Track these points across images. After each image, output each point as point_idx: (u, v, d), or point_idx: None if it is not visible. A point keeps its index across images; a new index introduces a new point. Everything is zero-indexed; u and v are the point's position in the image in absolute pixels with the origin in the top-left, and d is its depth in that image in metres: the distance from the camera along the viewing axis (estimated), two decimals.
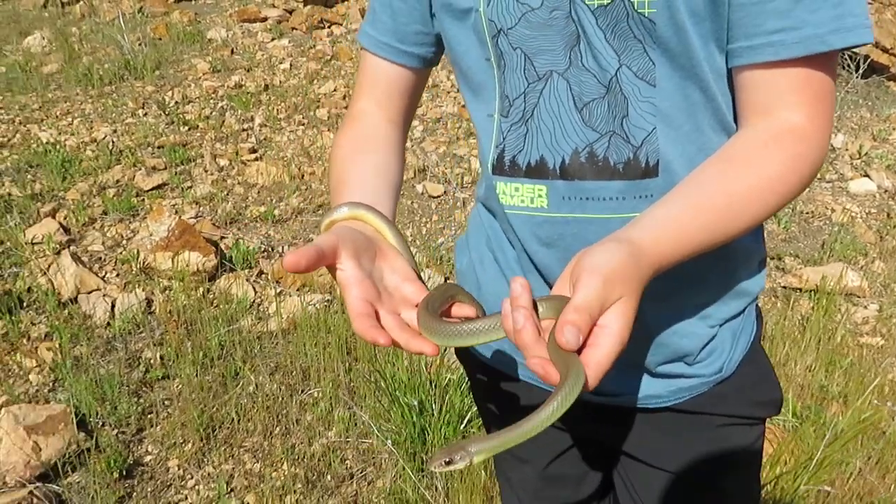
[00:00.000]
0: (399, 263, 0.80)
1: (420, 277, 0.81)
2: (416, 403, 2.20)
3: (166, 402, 2.42)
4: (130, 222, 3.28)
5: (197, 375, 2.47)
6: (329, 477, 2.18)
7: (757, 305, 1.02)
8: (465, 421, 2.25)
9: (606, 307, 0.65)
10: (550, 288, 0.94)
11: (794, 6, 0.73)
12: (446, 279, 3.08)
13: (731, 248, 0.84)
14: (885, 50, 5.62)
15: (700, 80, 0.81)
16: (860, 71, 5.49)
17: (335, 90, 4.73)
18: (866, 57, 5.40)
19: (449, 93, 4.89)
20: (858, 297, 3.25)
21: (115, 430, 2.27)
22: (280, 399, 2.42)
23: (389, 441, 2.14)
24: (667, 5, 0.77)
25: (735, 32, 0.78)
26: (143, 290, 2.88)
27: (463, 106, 4.69)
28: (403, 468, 2.12)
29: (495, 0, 0.86)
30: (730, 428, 1.00)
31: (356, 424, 2.35)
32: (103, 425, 2.27)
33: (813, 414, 2.32)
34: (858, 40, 0.74)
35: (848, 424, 2.18)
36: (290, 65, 5.02)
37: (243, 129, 4.17)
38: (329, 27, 5.79)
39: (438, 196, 3.76)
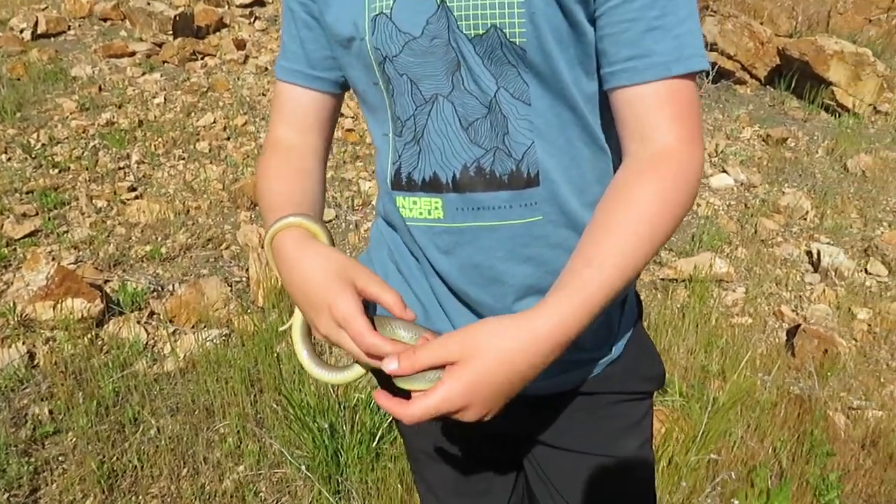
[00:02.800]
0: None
1: None
2: (326, 427, 2.21)
3: (60, 458, 2.29)
4: (2, 274, 3.09)
5: (92, 426, 2.36)
6: None
7: (634, 290, 1.13)
8: (378, 438, 2.28)
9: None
10: (451, 291, 1.03)
11: (642, 38, 0.85)
12: None
13: None
14: (729, 57, 6.17)
15: (568, 99, 0.92)
16: (710, 77, 6.01)
17: (214, 122, 4.65)
18: (714, 64, 5.91)
19: None
20: (727, 282, 3.55)
21: (6, 495, 2.13)
22: (185, 439, 2.35)
23: (304, 466, 2.13)
24: (535, 35, 0.87)
25: (601, 60, 0.90)
26: (23, 343, 2.72)
27: (348, 130, 4.73)
28: (320, 492, 2.12)
29: (379, 29, 0.94)
30: (622, 404, 1.11)
31: (266, 456, 2.32)
32: None
33: (697, 392, 2.51)
34: (696, 67, 0.86)
35: (728, 397, 2.39)
36: (165, 98, 4.88)
37: (119, 168, 4.01)
38: (202, 59, 5.67)
39: (330, 221, 3.77)
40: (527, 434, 1.15)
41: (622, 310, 1.08)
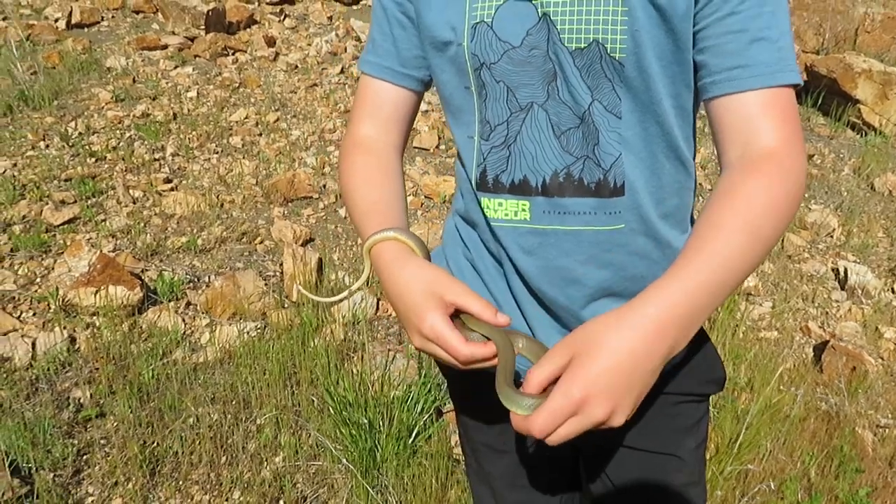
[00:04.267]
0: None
1: None
2: (366, 422, 2.25)
3: (102, 441, 2.34)
4: (42, 259, 3.14)
5: (132, 411, 2.40)
6: (282, 502, 2.19)
7: None
8: (414, 434, 2.31)
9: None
10: (528, 290, 1.07)
11: (747, 48, 0.88)
12: (378, 300, 3.14)
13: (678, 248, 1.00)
14: None
15: (657, 114, 0.95)
16: None
17: (247, 118, 4.70)
18: None
19: None
20: (754, 296, 3.57)
21: (51, 474, 2.17)
22: (224, 429, 2.39)
23: (345, 459, 2.17)
24: (635, 51, 0.90)
25: (702, 72, 0.92)
26: (64, 328, 2.77)
27: None
28: (359, 487, 2.16)
29: (478, 37, 0.98)
30: (684, 405, 1.15)
31: (302, 448, 2.36)
32: (37, 469, 2.17)
33: (728, 403, 2.54)
34: (795, 80, 0.88)
35: (759, 410, 2.41)
36: (198, 93, 4.94)
37: (155, 159, 4.07)
38: (233, 54, 5.73)
39: None
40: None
41: None
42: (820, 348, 3.12)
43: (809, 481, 2.39)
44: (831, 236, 4.12)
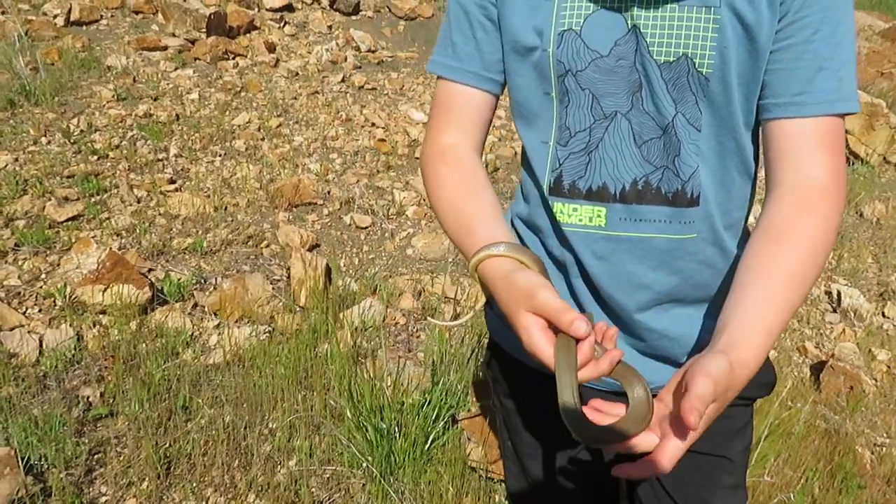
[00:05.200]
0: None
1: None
2: (384, 427, 2.25)
3: (114, 441, 2.31)
4: (47, 255, 3.10)
5: (143, 411, 2.38)
6: None
7: None
8: (430, 440, 2.32)
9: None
10: (593, 293, 1.09)
11: (814, 76, 0.93)
12: (387, 307, 3.14)
13: (736, 258, 1.05)
14: None
15: (733, 129, 0.99)
16: None
17: (249, 122, 4.70)
18: None
19: (363, 127, 4.98)
20: None
21: (64, 473, 2.14)
22: (237, 430, 2.38)
23: (365, 463, 2.17)
24: (721, 67, 0.94)
25: (766, 92, 0.97)
26: (70, 325, 2.74)
27: (380, 140, 4.80)
28: (377, 491, 2.16)
29: (566, 44, 1.00)
30: (736, 408, 1.19)
31: (316, 452, 2.35)
32: (50, 468, 2.14)
33: None
34: (853, 109, 0.95)
35: (766, 426, 2.46)
36: (199, 95, 4.92)
37: (158, 160, 4.05)
38: (234, 59, 5.73)
39: (366, 227, 3.82)
40: None
41: None
42: (817, 368, 3.19)
43: (813, 496, 2.44)
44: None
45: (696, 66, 0.95)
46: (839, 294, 3.78)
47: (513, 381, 1.29)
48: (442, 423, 2.40)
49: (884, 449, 2.83)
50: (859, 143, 5.84)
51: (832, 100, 0.94)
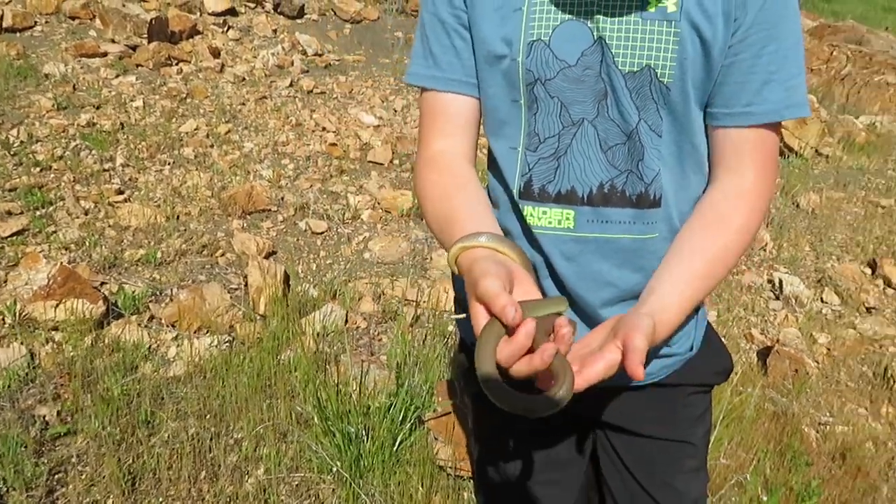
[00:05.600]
0: (530, 287, 0.89)
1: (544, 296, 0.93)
2: (352, 431, 2.26)
3: (75, 460, 2.26)
4: None
5: (104, 428, 2.33)
6: None
7: None
8: (398, 442, 2.35)
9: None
10: (563, 293, 1.14)
11: (762, 88, 1.01)
12: (347, 312, 3.15)
13: None
14: None
15: (690, 134, 1.07)
16: None
17: (197, 129, 4.63)
18: None
19: (314, 131, 4.96)
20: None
21: (24, 495, 2.09)
22: (201, 443, 2.35)
23: (335, 468, 2.18)
24: (681, 77, 1.01)
25: (717, 100, 1.05)
26: (21, 343, 2.66)
27: (331, 144, 4.79)
28: (343, 495, 2.17)
29: (535, 54, 1.05)
30: (696, 395, 1.27)
31: (283, 461, 2.35)
32: (9, 490, 2.08)
33: None
34: (802, 114, 1.04)
35: (723, 412, 2.57)
36: (144, 102, 4.82)
37: (104, 170, 3.95)
38: (177, 64, 5.63)
39: (322, 232, 3.82)
40: (610, 421, 1.27)
41: (697, 309, 1.24)
42: (764, 353, 3.33)
43: (765, 476, 2.55)
44: (765, 250, 4.40)
45: (658, 76, 1.01)
46: (781, 282, 3.95)
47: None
48: (409, 424, 2.43)
49: (827, 427, 2.98)
50: (793, 136, 6.10)
51: (779, 109, 1.02)
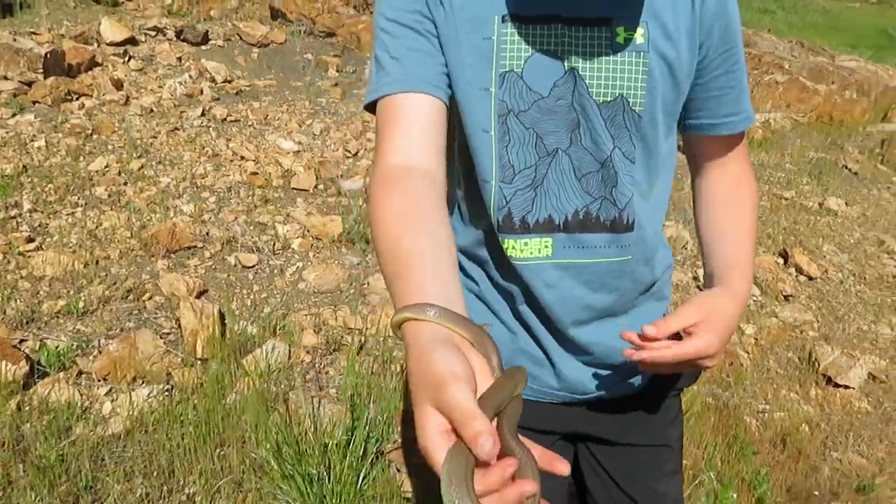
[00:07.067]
0: (484, 369, 0.73)
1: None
2: (315, 472, 2.19)
3: None
4: None
5: (41, 500, 2.17)
6: None
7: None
8: (361, 478, 2.29)
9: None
10: (539, 316, 1.15)
11: (738, 98, 1.13)
12: (290, 347, 3.06)
13: (669, 268, 1.23)
14: None
15: (657, 158, 1.12)
16: None
17: (107, 166, 4.40)
18: None
19: (232, 161, 4.82)
20: None
21: None
22: (152, 502, 2.22)
23: None
24: (651, 105, 1.06)
25: (699, 113, 1.14)
26: None
27: (252, 173, 4.66)
28: None
29: (508, 85, 1.05)
30: (671, 399, 1.33)
31: None
32: None
33: None
34: (755, 119, 1.21)
35: None
36: (46, 142, 4.55)
37: (10, 217, 3.69)
38: (78, 99, 5.33)
39: (253, 266, 3.70)
40: (593, 433, 1.31)
41: (665, 297, 1.30)
42: None
43: (717, 469, 2.65)
44: (686, 248, 4.59)
45: (631, 105, 1.05)
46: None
47: None
48: (370, 458, 2.38)
49: (766, 415, 3.12)
50: None
51: (751, 115, 1.17)
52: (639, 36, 1.02)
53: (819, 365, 3.46)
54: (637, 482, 1.32)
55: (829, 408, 3.27)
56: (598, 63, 1.03)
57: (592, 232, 1.11)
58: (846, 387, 3.34)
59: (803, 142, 7.06)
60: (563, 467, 0.69)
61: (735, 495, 2.42)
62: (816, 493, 2.69)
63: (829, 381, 3.40)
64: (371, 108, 1.03)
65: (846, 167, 6.52)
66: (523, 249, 1.12)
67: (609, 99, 1.04)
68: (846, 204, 5.67)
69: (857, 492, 2.73)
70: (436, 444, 0.64)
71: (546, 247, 1.12)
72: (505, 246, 1.12)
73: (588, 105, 1.04)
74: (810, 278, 4.39)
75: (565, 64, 1.03)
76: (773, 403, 3.24)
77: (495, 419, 0.67)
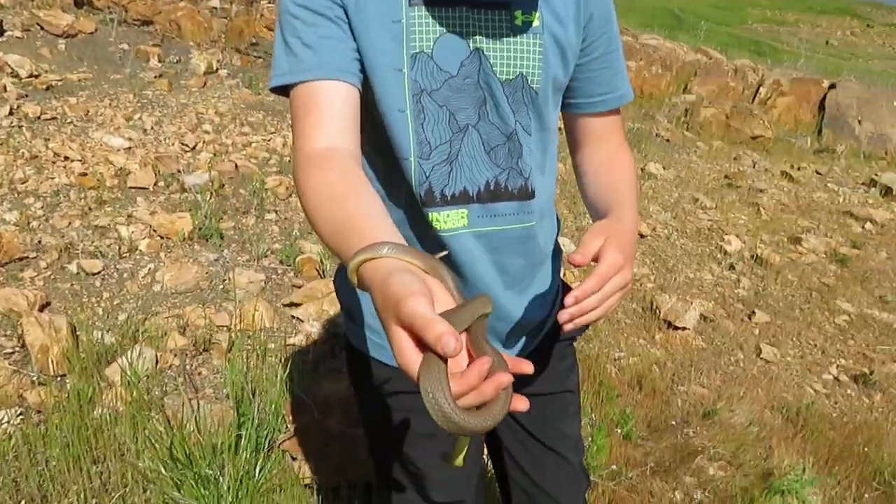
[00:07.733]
0: (444, 294, 0.79)
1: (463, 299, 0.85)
2: (210, 473, 2.12)
3: None
4: None
5: None
6: None
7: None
8: (257, 472, 2.24)
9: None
10: (465, 285, 1.22)
11: (613, 79, 1.26)
12: (157, 353, 2.89)
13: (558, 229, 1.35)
14: None
15: (547, 130, 1.24)
16: None
17: None
18: None
19: (55, 163, 4.40)
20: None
21: None
22: None
23: None
24: (546, 83, 1.17)
25: (577, 93, 1.26)
26: None
27: (81, 174, 4.29)
28: None
29: (419, 65, 1.11)
30: (568, 347, 1.47)
31: None
32: None
33: None
34: (632, 96, 1.31)
35: None
36: None
37: None
38: None
39: (99, 272, 3.43)
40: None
41: (559, 257, 1.43)
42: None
43: (588, 414, 2.88)
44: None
45: (529, 82, 1.15)
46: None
47: (383, 385, 1.33)
48: (263, 452, 2.33)
49: (622, 361, 3.43)
50: None
51: (626, 94, 1.28)
52: (535, 19, 1.12)
53: (660, 312, 3.85)
54: (546, 428, 1.45)
55: (673, 348, 3.66)
56: (500, 44, 1.11)
57: (502, 201, 1.21)
58: (684, 328, 3.75)
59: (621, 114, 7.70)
60: (528, 368, 0.77)
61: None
62: (673, 422, 3.01)
63: (669, 325, 3.79)
64: (279, 90, 1.07)
65: (658, 135, 7.21)
66: (446, 221, 1.19)
67: (511, 77, 1.13)
68: (663, 168, 6.29)
69: (703, 417, 3.09)
70: (411, 359, 0.70)
71: (462, 217, 1.20)
72: (430, 219, 1.18)
73: (493, 83, 1.13)
74: (642, 236, 4.84)
75: (470, 44, 1.11)
76: (627, 350, 3.56)
77: (465, 333, 0.75)
